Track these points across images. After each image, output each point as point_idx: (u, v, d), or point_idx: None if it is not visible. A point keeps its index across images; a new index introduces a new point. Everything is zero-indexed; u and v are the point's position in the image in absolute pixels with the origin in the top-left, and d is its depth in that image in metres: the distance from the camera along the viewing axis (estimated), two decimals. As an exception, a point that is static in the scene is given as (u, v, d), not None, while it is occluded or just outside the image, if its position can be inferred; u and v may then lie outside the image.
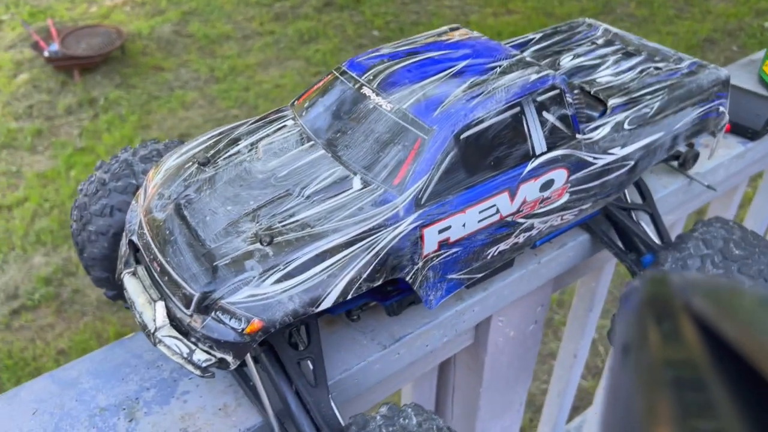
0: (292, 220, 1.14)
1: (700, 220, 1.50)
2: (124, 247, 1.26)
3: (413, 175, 1.17)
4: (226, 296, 1.08)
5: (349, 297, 1.12)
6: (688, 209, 2.17)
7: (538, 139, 1.27)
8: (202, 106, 6.27)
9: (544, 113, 1.27)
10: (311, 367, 1.24)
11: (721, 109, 1.56)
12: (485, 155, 1.23)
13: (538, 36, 1.72)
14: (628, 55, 1.63)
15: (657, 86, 1.48)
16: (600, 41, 1.70)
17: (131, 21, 7.27)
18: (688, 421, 0.30)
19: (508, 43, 1.69)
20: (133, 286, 1.20)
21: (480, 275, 1.38)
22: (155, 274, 1.18)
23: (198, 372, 1.12)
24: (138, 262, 1.25)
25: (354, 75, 1.31)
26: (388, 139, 1.21)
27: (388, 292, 1.36)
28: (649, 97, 1.45)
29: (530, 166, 1.27)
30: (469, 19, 7.09)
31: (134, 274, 1.21)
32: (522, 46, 1.68)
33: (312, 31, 6.99)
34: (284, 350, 1.22)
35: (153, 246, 1.17)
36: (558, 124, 1.29)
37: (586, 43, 1.69)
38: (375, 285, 1.15)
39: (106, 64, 6.84)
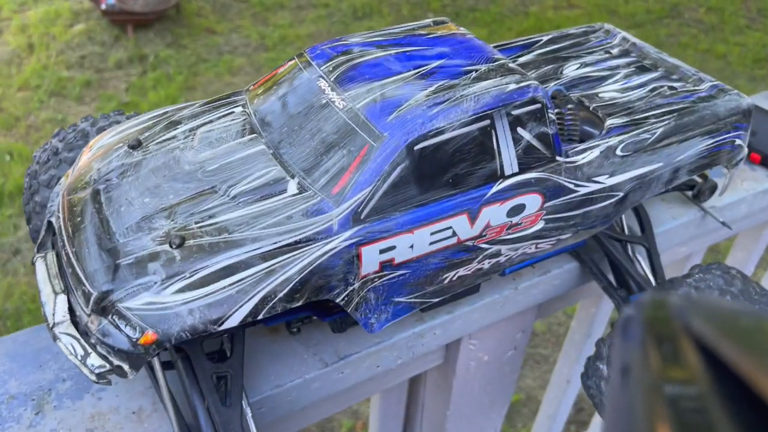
0: (210, 221, 1.02)
1: (697, 266, 1.32)
2: (43, 227, 1.17)
3: (355, 185, 1.04)
4: (124, 300, 0.97)
5: (261, 317, 0.99)
6: (707, 241, 1.97)
7: (508, 158, 1.12)
8: (248, 73, 6.22)
9: (519, 130, 1.12)
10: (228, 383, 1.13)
11: (738, 142, 1.36)
12: (443, 171, 1.08)
13: (546, 38, 1.54)
14: (642, 69, 1.45)
15: (666, 109, 1.30)
16: (615, 51, 1.52)
17: (189, -20, 7.25)
18: None
19: (512, 43, 1.52)
20: (41, 273, 1.10)
21: (436, 300, 1.24)
22: (63, 263, 1.08)
23: (92, 378, 1.02)
24: (54, 246, 1.15)
25: (314, 64, 1.18)
26: (335, 141, 1.08)
27: (331, 307, 1.23)
28: (653, 120, 1.27)
29: (496, 187, 1.12)
30: (528, 10, 6.81)
31: (45, 259, 1.11)
32: (525, 48, 1.51)
33: (366, 7, 6.84)
34: (199, 361, 1.11)
35: (63, 232, 1.07)
36: (535, 143, 1.13)
37: (599, 52, 1.50)
38: (294, 306, 1.02)
39: (160, 23, 6.84)
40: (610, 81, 1.40)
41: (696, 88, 1.39)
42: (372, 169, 1.04)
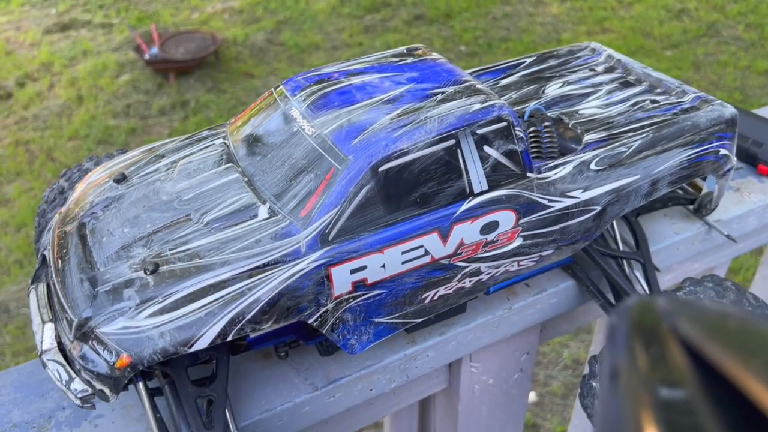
0: (183, 248, 1.06)
1: (689, 278, 1.30)
2: (38, 261, 1.23)
3: (321, 207, 1.07)
4: (101, 325, 1.02)
5: (230, 338, 1.02)
6: (725, 255, 1.92)
7: (476, 176, 1.13)
8: (284, 113, 6.36)
9: (486, 148, 1.13)
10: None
11: (723, 151, 1.34)
12: (410, 191, 1.10)
13: (530, 59, 1.56)
14: (626, 84, 1.45)
15: (645, 122, 1.29)
16: (600, 68, 1.52)
17: (228, 28, 7.50)
18: None
19: (497, 66, 1.54)
20: (33, 303, 1.16)
21: (419, 320, 1.25)
22: (52, 294, 1.13)
23: (77, 402, 1.07)
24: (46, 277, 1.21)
25: (288, 95, 1.22)
26: (303, 167, 1.11)
27: (314, 330, 1.26)
28: (631, 134, 1.27)
29: (466, 205, 1.14)
30: (561, 37, 6.81)
31: (36, 290, 1.17)
32: (510, 70, 1.53)
33: (399, 44, 6.95)
34: (183, 386, 1.15)
35: (52, 263, 1.13)
36: (503, 160, 1.15)
37: (583, 70, 1.51)
38: (264, 327, 1.05)
39: (201, 69, 7.09)
40: (592, 98, 1.40)
41: (679, 100, 1.38)
42: (337, 191, 1.07)
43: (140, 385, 1.14)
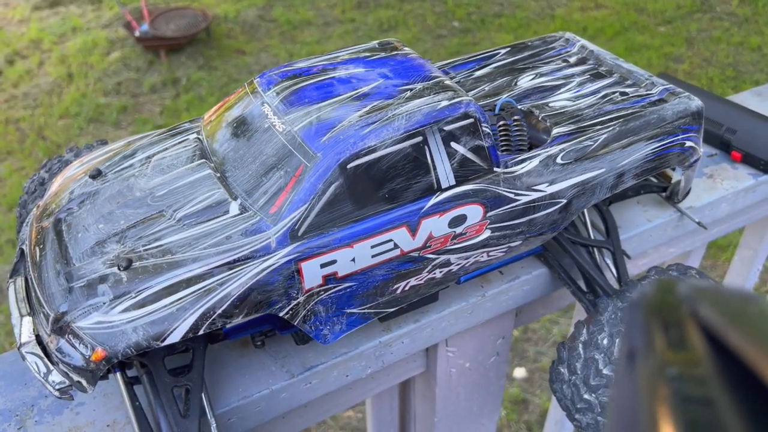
0: (156, 244, 1.09)
1: (654, 267, 1.33)
2: (16, 254, 1.26)
3: (290, 204, 1.09)
4: (77, 320, 1.05)
5: (201, 332, 1.05)
6: (700, 240, 1.96)
7: (444, 171, 1.16)
8: (276, 90, 6.34)
9: (453, 144, 1.16)
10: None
11: (689, 144, 1.36)
12: (378, 187, 1.13)
13: (504, 50, 1.57)
14: (597, 76, 1.47)
15: (613, 115, 1.32)
16: (572, 59, 1.54)
17: (218, 4, 7.45)
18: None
19: (472, 57, 1.56)
20: (11, 297, 1.19)
21: (392, 309, 1.29)
22: (30, 288, 1.16)
23: (56, 393, 1.10)
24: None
25: (260, 90, 1.24)
26: (274, 163, 1.14)
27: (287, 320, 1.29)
28: (598, 127, 1.29)
29: (434, 200, 1.16)
30: (554, 13, 6.77)
31: (14, 284, 1.20)
32: (484, 61, 1.54)
33: (392, 20, 6.91)
34: (160, 375, 1.18)
35: (29, 258, 1.16)
36: (470, 156, 1.17)
37: (556, 61, 1.53)
38: (235, 321, 1.08)
39: (191, 46, 7.04)
40: (563, 90, 1.42)
41: (648, 92, 1.40)
42: (306, 188, 1.09)
43: (118, 375, 1.17)
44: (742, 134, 1.76)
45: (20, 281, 1.20)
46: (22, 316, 1.14)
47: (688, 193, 1.60)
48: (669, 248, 1.86)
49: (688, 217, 1.63)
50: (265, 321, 1.28)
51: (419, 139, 1.13)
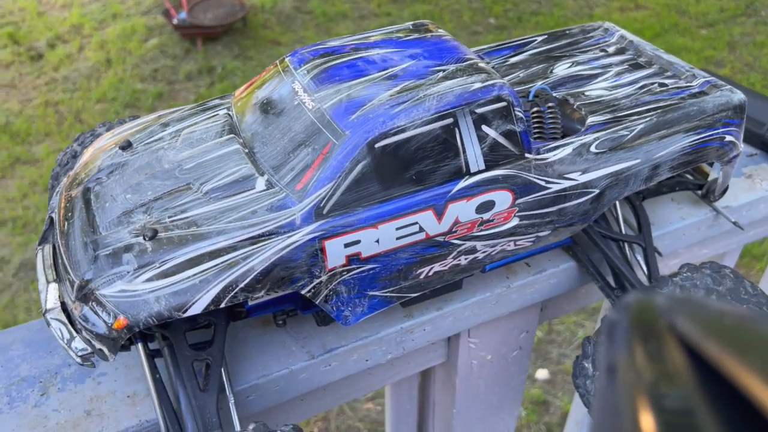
0: (182, 216, 1.09)
1: (687, 264, 1.30)
2: (46, 222, 1.27)
3: (317, 181, 1.09)
4: (101, 287, 1.05)
5: (223, 305, 1.05)
6: (736, 242, 1.91)
7: (474, 155, 1.14)
8: (309, 82, 6.37)
9: (484, 127, 1.14)
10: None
11: (729, 138, 1.33)
12: (406, 168, 1.11)
13: (541, 38, 1.55)
14: (636, 66, 1.43)
15: (651, 106, 1.29)
16: (611, 49, 1.51)
17: (257, -6, 7.49)
18: None
19: (507, 43, 1.53)
20: (39, 264, 1.20)
21: (415, 295, 1.27)
22: (57, 255, 1.17)
23: (78, 360, 1.11)
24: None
25: (291, 68, 1.24)
26: (302, 140, 1.13)
27: (310, 300, 1.28)
28: (635, 117, 1.26)
29: (462, 184, 1.14)
30: (593, 13, 6.69)
31: (42, 251, 1.21)
32: (520, 48, 1.52)
33: (428, 15, 6.88)
34: (181, 348, 1.18)
35: (57, 226, 1.17)
36: (501, 140, 1.15)
37: (593, 50, 1.50)
38: (257, 296, 1.08)
39: (228, 35, 7.09)
40: (599, 79, 1.39)
41: (688, 84, 1.36)
42: (333, 166, 1.08)
43: (140, 346, 1.18)
44: (787, 134, 1.72)
45: (48, 248, 1.21)
46: (48, 282, 1.15)
47: (725, 191, 1.56)
48: (702, 249, 1.82)
49: (724, 216, 1.59)
50: (287, 300, 1.28)
51: (450, 120, 1.12)
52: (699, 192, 1.57)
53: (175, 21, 6.91)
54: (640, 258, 1.46)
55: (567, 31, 1.57)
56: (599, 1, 6.92)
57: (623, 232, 1.45)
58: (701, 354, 0.34)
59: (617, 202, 1.43)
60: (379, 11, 7.10)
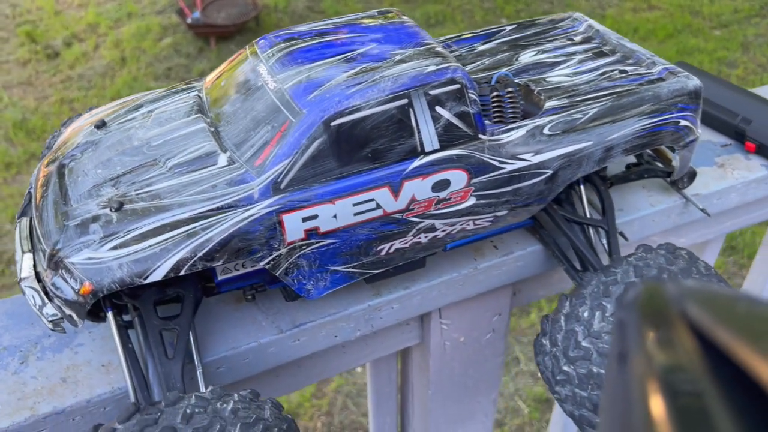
0: (147, 189, 1.15)
1: (642, 245, 1.33)
2: (25, 197, 1.34)
3: (275, 157, 1.14)
4: (69, 255, 1.11)
5: (183, 273, 1.11)
6: (718, 231, 1.93)
7: (428, 135, 1.19)
8: (320, 81, 6.43)
9: (438, 108, 1.18)
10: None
11: (683, 123, 1.36)
12: (361, 146, 1.16)
13: (510, 27, 1.59)
14: (599, 54, 1.47)
15: (608, 91, 1.32)
16: (577, 38, 1.54)
17: (270, -6, 7.58)
18: (685, 431, 0.31)
19: (477, 33, 1.58)
20: (17, 235, 1.26)
21: (377, 271, 1.32)
22: (33, 227, 1.23)
23: (49, 325, 1.17)
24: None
25: (258, 51, 1.29)
26: (263, 119, 1.19)
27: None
28: (590, 102, 1.30)
29: (416, 163, 1.19)
30: (605, 13, 6.69)
31: (20, 223, 1.28)
32: (488, 36, 1.56)
33: (440, 15, 6.93)
34: (149, 318, 1.24)
35: (34, 199, 1.23)
36: (455, 121, 1.20)
37: (560, 39, 1.54)
38: (216, 265, 1.13)
39: (241, 34, 7.18)
40: (562, 66, 1.43)
41: (648, 71, 1.40)
42: (290, 142, 1.13)
43: (110, 315, 1.23)
44: (758, 125, 1.74)
45: (25, 221, 1.27)
46: (24, 253, 1.21)
47: (693, 178, 1.59)
48: (679, 237, 1.84)
49: (692, 203, 1.62)
50: (255, 275, 1.33)
51: (404, 101, 1.16)
52: (668, 179, 1.60)
53: (189, 20, 7.01)
54: (605, 242, 1.50)
55: (536, 21, 1.62)
56: (612, 2, 6.92)
57: (589, 216, 1.49)
58: (713, 340, 0.34)
59: (582, 187, 1.47)
60: (390, 11, 7.15)
